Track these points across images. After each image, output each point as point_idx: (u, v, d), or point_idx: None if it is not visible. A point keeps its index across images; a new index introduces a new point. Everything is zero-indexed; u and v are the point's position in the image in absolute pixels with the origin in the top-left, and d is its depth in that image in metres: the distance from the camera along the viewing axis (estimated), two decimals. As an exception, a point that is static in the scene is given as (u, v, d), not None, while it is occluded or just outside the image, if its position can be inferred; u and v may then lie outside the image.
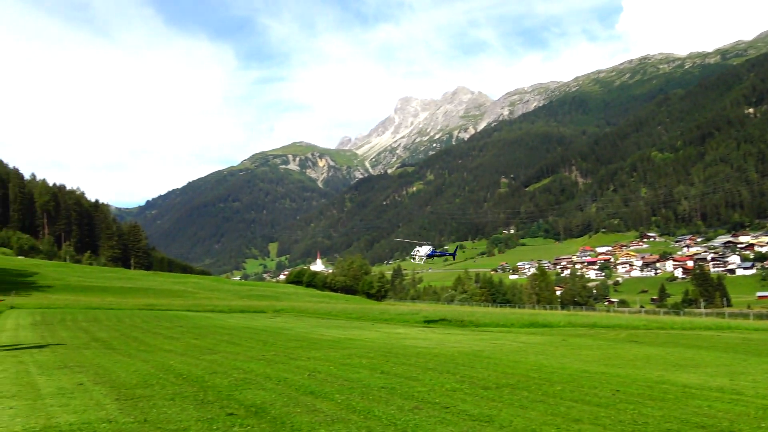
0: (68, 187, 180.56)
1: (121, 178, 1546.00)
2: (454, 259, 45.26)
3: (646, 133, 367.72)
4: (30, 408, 7.42)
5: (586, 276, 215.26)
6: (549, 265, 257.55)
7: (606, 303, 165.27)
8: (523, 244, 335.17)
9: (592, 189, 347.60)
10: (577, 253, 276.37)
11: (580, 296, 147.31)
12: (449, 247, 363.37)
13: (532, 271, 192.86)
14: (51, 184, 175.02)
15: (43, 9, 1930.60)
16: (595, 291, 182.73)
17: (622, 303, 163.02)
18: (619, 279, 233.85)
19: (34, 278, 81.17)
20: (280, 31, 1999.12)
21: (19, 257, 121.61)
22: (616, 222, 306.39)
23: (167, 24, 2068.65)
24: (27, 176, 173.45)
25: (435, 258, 38.79)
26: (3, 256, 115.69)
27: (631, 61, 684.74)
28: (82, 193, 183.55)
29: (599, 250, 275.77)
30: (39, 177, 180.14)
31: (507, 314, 51.61)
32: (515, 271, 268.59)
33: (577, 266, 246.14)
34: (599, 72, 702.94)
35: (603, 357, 16.29)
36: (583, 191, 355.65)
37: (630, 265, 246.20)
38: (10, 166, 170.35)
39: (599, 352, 17.90)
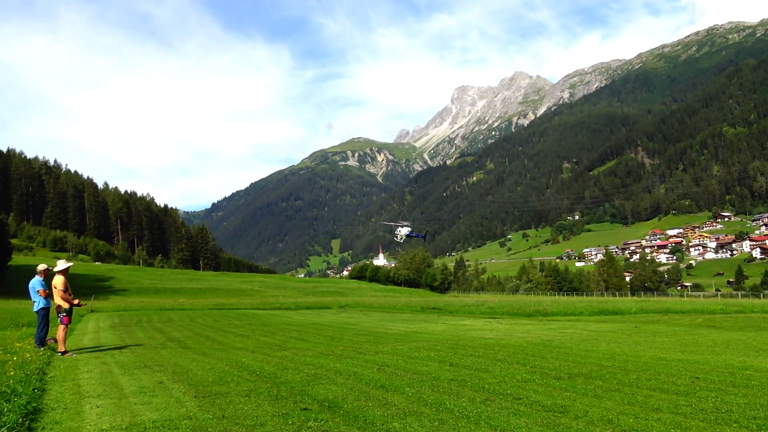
0: (139, 194, 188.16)
1: (188, 182, 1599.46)
2: (424, 241, 47.42)
3: (716, 108, 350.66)
4: (115, 406, 7.76)
5: (657, 260, 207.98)
6: (617, 250, 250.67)
7: (679, 287, 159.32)
8: (589, 230, 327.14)
9: (660, 170, 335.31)
10: (647, 237, 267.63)
11: (650, 281, 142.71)
12: (511, 237, 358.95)
13: (599, 257, 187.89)
14: (123, 191, 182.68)
15: (108, 23, 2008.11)
16: (666, 276, 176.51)
17: (697, 287, 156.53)
18: (692, 262, 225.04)
19: (111, 282, 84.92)
20: (334, 28, 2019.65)
21: (96, 263, 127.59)
22: (686, 203, 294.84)
23: (225, 30, 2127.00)
24: (101, 185, 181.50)
25: (413, 238, 42.66)
26: (81, 262, 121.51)
27: (697, 33, 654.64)
28: (152, 199, 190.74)
29: (670, 232, 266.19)
30: (111, 185, 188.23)
31: (575, 302, 50.54)
32: (581, 257, 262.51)
33: (647, 250, 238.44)
34: (664, 47, 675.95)
35: (679, 343, 15.71)
36: (651, 172, 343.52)
37: (703, 247, 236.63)
38: (85, 176, 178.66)
39: (675, 339, 17.28)
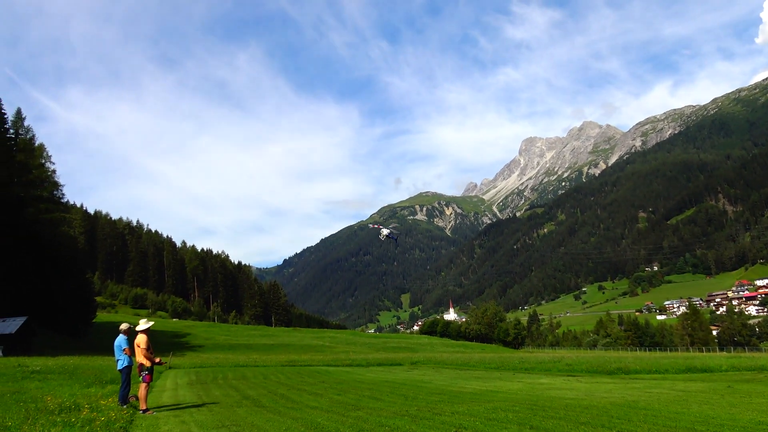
0: (214, 252, 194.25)
1: (261, 239, 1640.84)
2: (396, 243, 51.45)
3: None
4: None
5: (746, 312, 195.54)
6: (701, 302, 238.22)
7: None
8: (669, 282, 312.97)
9: (743, 217, 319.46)
10: (733, 288, 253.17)
11: (740, 335, 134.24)
12: (586, 289, 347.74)
13: (682, 309, 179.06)
14: (199, 249, 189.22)
15: (188, 90, 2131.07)
16: (758, 329, 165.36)
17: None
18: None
19: (187, 339, 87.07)
20: (401, 86, 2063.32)
21: (174, 319, 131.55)
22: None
23: (296, 92, 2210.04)
24: (179, 244, 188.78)
25: (392, 239, 46.95)
26: (160, 319, 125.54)
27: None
28: (227, 256, 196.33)
29: (759, 283, 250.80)
30: (189, 243, 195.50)
31: (659, 359, 47.91)
32: (662, 310, 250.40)
33: (734, 302, 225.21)
34: (740, 91, 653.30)
35: (780, 406, 14.52)
36: (734, 220, 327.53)
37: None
38: (165, 235, 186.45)
39: (775, 400, 16.00)
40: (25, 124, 76.23)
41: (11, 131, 73.96)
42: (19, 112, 75.96)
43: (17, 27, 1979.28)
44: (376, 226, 54.17)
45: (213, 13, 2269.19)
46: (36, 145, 76.96)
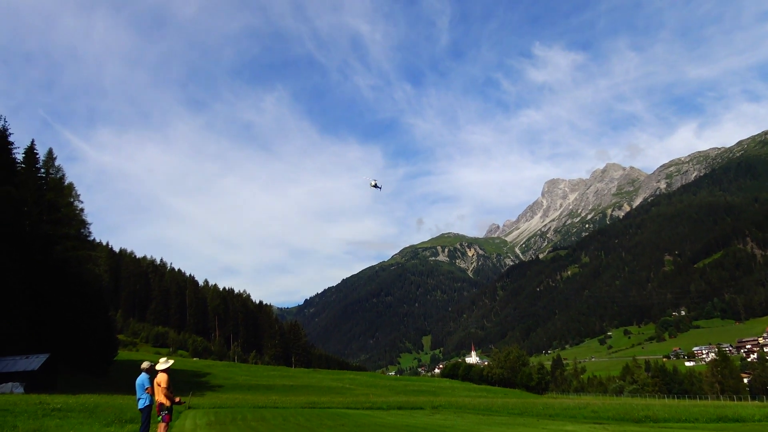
0: (236, 291, 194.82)
1: (283, 279, 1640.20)
2: (379, 188, 57.19)
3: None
4: None
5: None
6: (730, 348, 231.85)
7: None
8: (698, 327, 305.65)
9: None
10: (764, 334, 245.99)
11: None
12: (612, 334, 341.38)
13: (711, 356, 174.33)
14: (221, 288, 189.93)
15: (215, 132, 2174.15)
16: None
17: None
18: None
19: (207, 378, 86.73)
20: (424, 127, 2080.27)
21: (194, 358, 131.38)
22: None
23: (321, 133, 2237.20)
24: (201, 282, 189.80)
25: (378, 188, 56.25)
26: (181, 358, 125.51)
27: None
28: (248, 296, 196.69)
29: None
30: (211, 282, 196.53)
31: (688, 407, 46.49)
32: (691, 357, 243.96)
33: (766, 349, 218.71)
34: (766, 133, 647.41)
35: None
36: (763, 264, 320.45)
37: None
38: (187, 274, 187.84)
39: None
40: (56, 164, 78.30)
41: (42, 171, 75.93)
42: (50, 153, 78.12)
43: (53, 71, 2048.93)
44: (370, 181, 60.19)
45: (241, 58, 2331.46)
46: (66, 184, 78.83)
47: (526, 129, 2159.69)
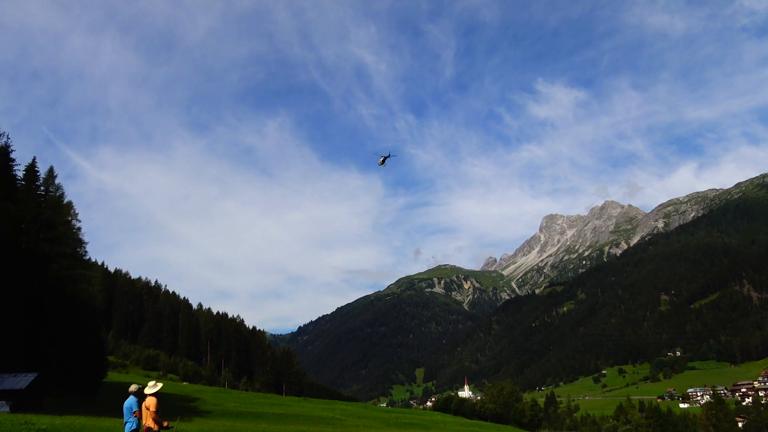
0: (230, 315, 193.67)
1: (278, 305, 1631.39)
2: (387, 158, 56.33)
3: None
4: None
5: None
6: (725, 391, 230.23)
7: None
8: (693, 368, 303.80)
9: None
10: (760, 378, 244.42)
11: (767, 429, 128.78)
12: (606, 372, 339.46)
13: (706, 398, 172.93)
14: (215, 312, 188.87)
15: (216, 155, 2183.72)
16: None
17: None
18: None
19: (197, 404, 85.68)
20: (425, 158, 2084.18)
21: (184, 383, 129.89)
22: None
23: (322, 160, 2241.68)
24: (195, 306, 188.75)
25: (385, 159, 55.33)
26: (170, 381, 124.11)
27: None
28: (242, 321, 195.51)
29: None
30: (205, 306, 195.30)
31: (681, 449, 46.07)
32: (685, 398, 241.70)
33: (761, 393, 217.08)
34: (765, 176, 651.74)
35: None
36: (759, 307, 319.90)
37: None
38: (182, 296, 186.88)
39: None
40: (56, 181, 78.36)
41: (42, 188, 76.08)
42: (51, 171, 78.30)
43: (58, 89, 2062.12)
44: (379, 159, 59.51)
45: (246, 83, 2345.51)
46: (65, 202, 78.92)
47: (527, 163, 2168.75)
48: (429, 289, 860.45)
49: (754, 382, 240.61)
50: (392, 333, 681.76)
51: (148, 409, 14.01)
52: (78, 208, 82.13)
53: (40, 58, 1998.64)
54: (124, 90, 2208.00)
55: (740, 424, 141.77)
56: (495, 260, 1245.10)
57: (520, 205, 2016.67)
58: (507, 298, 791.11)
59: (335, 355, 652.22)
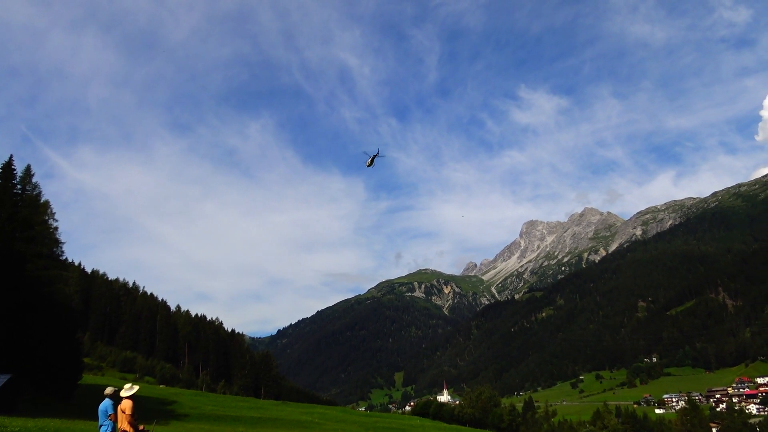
0: (208, 318, 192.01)
1: (257, 308, 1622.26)
2: (376, 156, 54.55)
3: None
4: None
5: (747, 411, 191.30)
6: (700, 397, 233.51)
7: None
8: (669, 374, 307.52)
9: (744, 312, 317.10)
10: (733, 385, 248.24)
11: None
12: (584, 378, 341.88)
13: (681, 404, 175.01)
14: (194, 315, 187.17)
15: (197, 155, 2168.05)
16: (758, 429, 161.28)
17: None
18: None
19: (173, 407, 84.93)
20: (407, 162, 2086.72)
21: (161, 386, 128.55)
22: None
23: (304, 163, 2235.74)
24: (173, 308, 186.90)
25: (374, 158, 54.22)
26: (147, 384, 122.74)
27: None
28: (221, 324, 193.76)
29: (759, 380, 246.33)
30: (184, 308, 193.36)
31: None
32: (661, 404, 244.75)
33: (735, 399, 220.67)
34: (740, 186, 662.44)
35: None
36: (734, 314, 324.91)
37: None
38: (160, 298, 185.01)
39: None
40: (33, 180, 77.32)
41: (18, 187, 75.02)
42: (28, 169, 77.19)
43: (37, 87, 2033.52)
44: (367, 161, 58.49)
45: (229, 84, 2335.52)
46: (41, 201, 77.88)
47: (509, 169, 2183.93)
48: (409, 294, 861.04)
49: (728, 389, 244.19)
50: (372, 337, 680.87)
51: (123, 412, 13.93)
52: (55, 207, 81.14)
53: (19, 55, 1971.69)
54: (105, 89, 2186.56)
55: (714, 430, 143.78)
56: (475, 265, 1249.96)
57: (502, 210, 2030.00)
58: (487, 303, 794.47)
59: (315, 358, 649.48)
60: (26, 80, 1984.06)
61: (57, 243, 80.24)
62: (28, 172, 77.04)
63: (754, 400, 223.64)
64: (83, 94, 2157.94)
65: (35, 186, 77.46)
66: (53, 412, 54.19)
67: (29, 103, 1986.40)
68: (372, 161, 58.51)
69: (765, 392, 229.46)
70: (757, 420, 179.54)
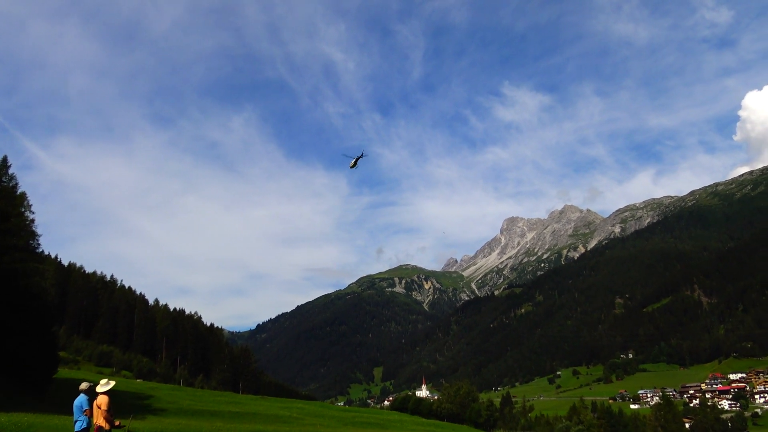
0: (187, 312, 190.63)
1: (237, 302, 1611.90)
2: (359, 158, 54.00)
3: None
4: None
5: (719, 406, 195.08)
6: (674, 393, 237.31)
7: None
8: (644, 370, 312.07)
9: (718, 309, 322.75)
10: (706, 381, 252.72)
11: (713, 430, 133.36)
12: (561, 373, 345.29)
13: (656, 400, 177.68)
14: (172, 309, 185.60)
15: (178, 149, 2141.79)
16: (730, 424, 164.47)
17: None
18: (758, 410, 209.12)
19: (150, 401, 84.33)
20: (390, 158, 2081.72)
21: (138, 380, 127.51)
22: (749, 345, 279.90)
23: (287, 157, 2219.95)
24: (151, 302, 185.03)
25: (357, 160, 53.97)
26: (124, 378, 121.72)
27: (752, 173, 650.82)
28: (199, 318, 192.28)
29: (732, 377, 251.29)
30: (162, 302, 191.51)
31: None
32: (636, 399, 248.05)
33: (708, 395, 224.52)
34: (717, 185, 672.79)
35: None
36: (709, 312, 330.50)
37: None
38: (138, 292, 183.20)
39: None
40: (10, 171, 76.12)
41: (-6, 178, 73.86)
42: (5, 160, 75.94)
43: (16, 77, 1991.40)
44: (350, 162, 58.52)
45: (212, 77, 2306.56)
46: (18, 193, 76.72)
47: (492, 166, 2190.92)
48: (390, 289, 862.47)
49: (702, 384, 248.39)
50: (352, 332, 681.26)
51: (99, 407, 13.89)
52: (33, 199, 79.77)
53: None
54: (85, 79, 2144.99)
55: (687, 425, 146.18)
56: (456, 261, 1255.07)
57: (484, 206, 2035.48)
58: (466, 299, 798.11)
59: (294, 353, 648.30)
60: (4, 69, 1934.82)
61: (33, 235, 79.03)
62: (4, 163, 75.82)
63: (727, 396, 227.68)
64: (63, 85, 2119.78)
65: (12, 177, 76.21)
66: (27, 407, 53.58)
67: (7, 93, 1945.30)
68: (356, 163, 57.99)
69: (737, 388, 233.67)
70: (729, 415, 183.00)
